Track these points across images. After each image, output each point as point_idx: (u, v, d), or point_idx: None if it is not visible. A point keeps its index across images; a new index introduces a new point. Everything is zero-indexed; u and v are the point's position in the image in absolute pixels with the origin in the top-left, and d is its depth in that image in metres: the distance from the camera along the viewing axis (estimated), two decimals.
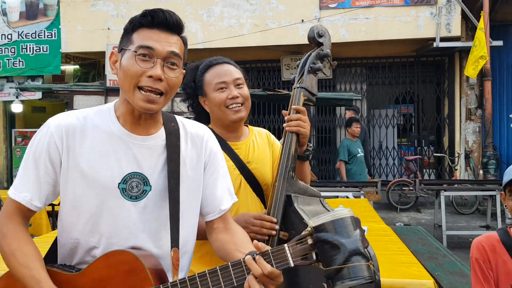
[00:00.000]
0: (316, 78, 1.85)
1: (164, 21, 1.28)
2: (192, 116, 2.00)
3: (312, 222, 1.13)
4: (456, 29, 9.27)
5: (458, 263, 3.22)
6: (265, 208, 1.96)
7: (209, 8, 9.86)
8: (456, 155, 10.02)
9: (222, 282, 1.16)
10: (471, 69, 8.80)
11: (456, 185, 7.57)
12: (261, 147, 1.98)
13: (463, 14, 9.24)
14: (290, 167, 1.71)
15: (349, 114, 7.99)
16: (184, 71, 1.36)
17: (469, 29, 9.76)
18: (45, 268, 1.28)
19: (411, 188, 8.60)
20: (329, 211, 1.66)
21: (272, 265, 1.14)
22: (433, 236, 4.38)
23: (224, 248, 1.40)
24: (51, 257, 1.40)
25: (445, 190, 6.98)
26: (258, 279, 1.14)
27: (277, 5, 9.67)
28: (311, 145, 1.87)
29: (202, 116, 1.96)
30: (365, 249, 1.10)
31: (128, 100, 1.30)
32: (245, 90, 1.88)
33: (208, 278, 1.17)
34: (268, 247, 1.17)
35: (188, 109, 2.01)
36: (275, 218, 1.67)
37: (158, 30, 1.28)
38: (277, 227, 1.66)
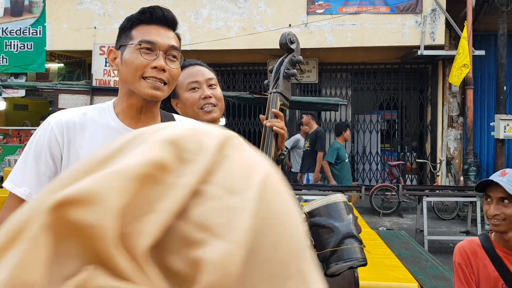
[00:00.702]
0: (289, 83, 1.89)
1: (162, 17, 1.35)
2: None
3: (306, 208, 1.15)
4: (440, 38, 9.43)
5: (440, 267, 3.29)
6: None
7: (197, 10, 9.86)
8: (438, 161, 10.17)
9: None
10: (455, 77, 8.97)
11: (437, 191, 7.68)
12: None
13: (447, 23, 9.40)
14: None
15: (307, 118, 7.85)
16: None
17: (453, 38, 9.93)
18: None
19: (393, 193, 8.71)
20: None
21: None
22: (415, 240, 4.46)
23: None
24: None
25: (427, 196, 7.10)
26: None
27: (265, 9, 9.72)
28: (285, 149, 1.91)
29: None
30: (358, 233, 1.13)
31: (133, 92, 1.34)
32: (218, 91, 1.89)
33: None
34: None
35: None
36: None
37: (157, 26, 1.35)
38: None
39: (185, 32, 9.78)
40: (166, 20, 1.36)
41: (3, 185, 1.35)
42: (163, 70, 1.32)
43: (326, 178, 7.31)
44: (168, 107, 1.93)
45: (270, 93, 1.84)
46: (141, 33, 1.33)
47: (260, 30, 9.66)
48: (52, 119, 1.35)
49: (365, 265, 1.12)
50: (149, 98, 1.34)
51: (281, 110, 1.84)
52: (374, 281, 2.31)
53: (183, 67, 1.87)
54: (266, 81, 1.92)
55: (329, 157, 7.13)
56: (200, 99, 1.82)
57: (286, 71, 1.85)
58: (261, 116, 1.85)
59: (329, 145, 7.92)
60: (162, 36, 1.34)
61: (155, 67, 1.31)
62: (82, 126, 1.34)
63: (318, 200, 1.15)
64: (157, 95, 1.33)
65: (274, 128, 1.75)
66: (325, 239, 1.11)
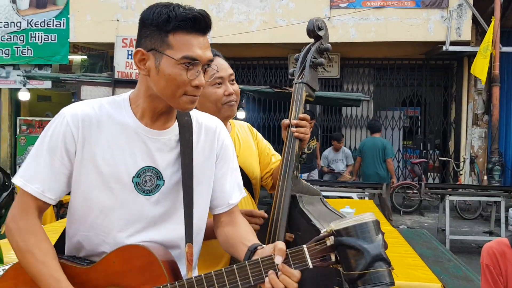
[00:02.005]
0: (316, 73, 1.81)
1: (203, 26, 1.26)
2: None
3: (334, 226, 1.12)
4: (466, 34, 9.22)
5: (463, 268, 3.20)
6: (255, 201, 1.95)
7: (219, 4, 9.83)
8: (462, 159, 9.98)
9: (239, 281, 1.15)
10: (478, 69, 8.71)
11: (460, 190, 7.54)
12: (245, 140, 1.96)
13: (474, 18, 9.19)
14: (294, 167, 1.68)
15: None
16: None
17: (479, 34, 9.70)
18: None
19: (415, 191, 8.58)
20: (331, 210, 1.66)
21: (290, 266, 1.14)
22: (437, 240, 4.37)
23: (229, 241, 1.40)
24: (57, 248, 1.38)
25: (450, 195, 6.96)
26: (280, 279, 1.14)
27: (287, 3, 9.63)
28: (311, 144, 1.85)
29: None
30: (386, 254, 1.10)
31: (168, 102, 1.28)
32: (237, 87, 1.87)
33: (225, 276, 1.16)
34: (285, 249, 1.16)
35: None
36: (280, 219, 1.63)
37: (197, 34, 1.25)
38: (265, 215, 1.65)
39: None
40: (207, 28, 1.28)
41: (13, 180, 1.30)
42: (202, 87, 1.29)
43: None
44: None
45: (295, 84, 1.78)
46: (182, 44, 1.23)
47: (282, 24, 9.58)
48: (67, 113, 1.29)
49: (392, 285, 1.10)
50: (184, 111, 1.32)
51: (307, 101, 1.78)
52: (396, 281, 2.25)
53: None
54: (291, 70, 1.85)
55: (390, 154, 7.39)
56: (224, 95, 1.80)
57: (313, 60, 1.77)
58: (283, 121, 1.79)
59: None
60: (202, 49, 1.26)
61: (196, 86, 1.26)
62: (98, 122, 1.29)
63: (347, 219, 1.11)
64: (192, 108, 1.31)
65: (295, 134, 1.71)
66: (354, 260, 1.08)
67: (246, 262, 1.17)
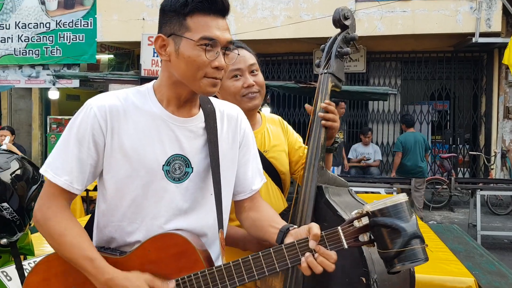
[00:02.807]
0: (343, 63, 1.78)
1: (221, 7, 1.27)
2: None
3: (370, 207, 1.15)
4: (496, 25, 8.98)
5: (496, 263, 3.13)
6: (284, 195, 1.93)
7: (243, 0, 9.83)
8: (493, 154, 9.74)
9: (276, 263, 1.19)
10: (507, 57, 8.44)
11: (492, 185, 7.36)
12: (276, 134, 1.94)
13: (504, 9, 8.94)
14: (320, 157, 1.66)
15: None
16: None
17: (510, 25, 9.44)
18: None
19: (445, 186, 8.42)
20: (359, 201, 1.65)
21: (326, 247, 1.18)
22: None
23: (256, 224, 1.43)
24: None
25: (481, 190, 6.81)
26: (318, 261, 1.18)
27: None
28: (339, 136, 1.82)
29: None
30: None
31: (182, 82, 1.29)
32: (260, 77, 1.82)
33: (262, 260, 1.20)
34: (320, 231, 1.19)
35: None
36: (306, 210, 1.61)
37: (215, 16, 1.26)
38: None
39: (231, 22, 9.78)
40: (224, 9, 1.28)
41: (41, 171, 1.31)
42: (222, 69, 1.28)
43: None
44: None
45: (321, 74, 1.74)
46: (200, 26, 1.24)
47: (306, 19, 9.51)
48: (94, 104, 1.29)
49: (426, 261, 1.15)
50: (206, 95, 1.33)
51: (333, 91, 1.75)
52: (428, 275, 2.21)
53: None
54: (317, 61, 1.82)
55: (429, 148, 7.53)
56: (242, 87, 1.76)
57: (338, 49, 1.75)
58: (306, 106, 1.76)
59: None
60: (221, 30, 1.26)
61: (216, 67, 1.26)
62: (125, 112, 1.29)
63: (382, 201, 1.16)
64: (215, 92, 1.30)
65: (322, 122, 1.67)
66: (391, 239, 1.13)
67: (283, 245, 1.21)
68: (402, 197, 1.16)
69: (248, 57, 1.80)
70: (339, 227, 1.18)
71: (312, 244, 1.18)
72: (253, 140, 1.53)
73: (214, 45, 1.24)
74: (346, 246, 1.17)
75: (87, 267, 1.23)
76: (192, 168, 1.34)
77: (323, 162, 1.67)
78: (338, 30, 1.83)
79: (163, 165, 1.30)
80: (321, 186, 1.63)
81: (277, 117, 2.04)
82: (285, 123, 2.05)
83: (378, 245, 1.16)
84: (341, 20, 1.77)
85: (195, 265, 1.24)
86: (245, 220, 1.49)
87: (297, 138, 2.06)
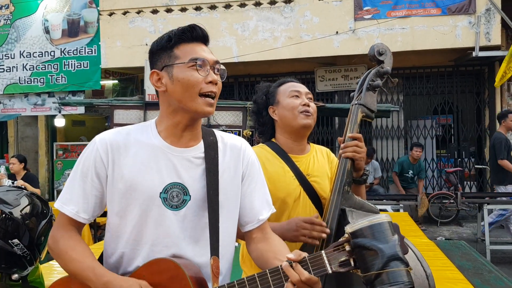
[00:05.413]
0: (375, 95, 1.90)
1: (201, 35, 1.40)
2: (255, 128, 2.16)
3: (349, 228, 1.13)
4: (496, 38, 9.04)
5: (505, 279, 3.12)
6: (323, 220, 1.98)
7: (243, 23, 9.97)
8: None
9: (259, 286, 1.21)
10: (498, 78, 8.46)
11: (499, 198, 7.31)
12: (321, 162, 2.05)
13: (503, 22, 9.00)
14: (345, 182, 1.75)
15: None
16: None
17: (510, 38, 9.50)
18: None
19: (451, 201, 8.38)
20: None
21: (309, 272, 1.17)
22: (476, 251, 4.25)
23: (263, 256, 1.45)
24: None
25: (488, 203, 6.76)
26: (296, 286, 1.17)
27: (311, 18, 9.68)
28: (368, 169, 1.89)
29: (267, 127, 2.07)
30: (404, 255, 1.10)
31: (179, 110, 1.38)
32: (313, 105, 2.01)
33: (247, 285, 1.22)
34: (305, 254, 1.19)
35: (255, 122, 2.14)
36: (328, 229, 1.69)
37: (197, 43, 1.40)
38: (327, 230, 1.70)
39: (233, 45, 9.91)
40: (204, 37, 1.42)
41: (55, 205, 1.43)
42: (216, 83, 1.39)
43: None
44: (264, 114, 2.06)
45: (352, 105, 1.88)
46: (187, 52, 1.37)
47: (307, 39, 9.62)
48: (97, 139, 1.41)
49: (410, 286, 1.08)
50: (204, 116, 1.39)
51: (364, 121, 1.85)
52: None
53: (285, 81, 2.08)
54: (352, 94, 1.96)
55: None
56: (300, 104, 1.97)
57: (370, 82, 1.87)
58: (338, 138, 1.88)
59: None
60: (206, 52, 1.40)
61: (210, 82, 1.36)
62: (125, 146, 1.39)
63: (361, 221, 1.13)
64: (211, 112, 1.38)
65: (342, 155, 1.78)
66: (369, 261, 1.08)
67: (267, 270, 1.22)
68: (384, 217, 1.12)
69: (305, 87, 2.04)
70: (323, 251, 1.17)
71: (289, 255, 1.19)
72: (259, 170, 1.57)
73: (204, 64, 1.36)
74: (330, 271, 1.15)
75: (88, 275, 1.30)
76: (190, 196, 1.39)
77: (349, 187, 1.75)
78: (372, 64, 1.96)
79: (161, 193, 1.36)
80: (344, 209, 1.69)
81: (325, 149, 2.18)
82: (332, 154, 2.17)
83: (360, 269, 1.12)
84: (375, 56, 1.90)
85: None
86: (253, 251, 1.51)
87: None
